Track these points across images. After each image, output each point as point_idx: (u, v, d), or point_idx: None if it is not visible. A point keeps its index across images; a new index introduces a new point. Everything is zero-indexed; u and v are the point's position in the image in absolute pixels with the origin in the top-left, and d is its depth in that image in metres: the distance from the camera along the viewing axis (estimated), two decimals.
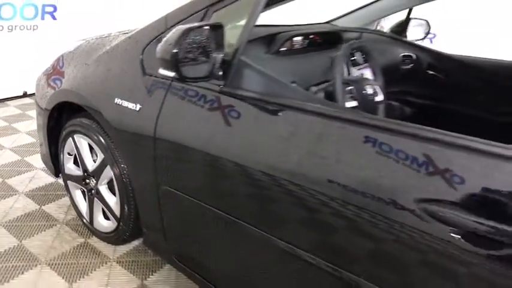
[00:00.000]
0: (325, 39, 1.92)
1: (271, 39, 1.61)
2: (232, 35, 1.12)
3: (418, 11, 2.35)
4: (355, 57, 1.72)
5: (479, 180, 0.73)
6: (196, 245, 1.37)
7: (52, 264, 1.63)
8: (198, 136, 1.17)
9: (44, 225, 1.89)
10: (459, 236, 0.73)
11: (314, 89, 1.43)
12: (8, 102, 3.39)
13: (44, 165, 2.13)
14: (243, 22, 1.10)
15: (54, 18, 3.43)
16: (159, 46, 0.99)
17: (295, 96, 1.05)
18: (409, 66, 2.25)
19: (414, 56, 2.25)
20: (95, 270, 1.64)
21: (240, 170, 1.07)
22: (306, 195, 0.94)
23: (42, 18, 3.37)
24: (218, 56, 1.06)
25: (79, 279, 1.58)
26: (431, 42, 4.23)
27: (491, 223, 0.70)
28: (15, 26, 3.23)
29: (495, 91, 1.84)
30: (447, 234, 0.74)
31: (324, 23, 2.46)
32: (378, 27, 2.72)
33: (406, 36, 2.37)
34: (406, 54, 2.23)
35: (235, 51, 1.10)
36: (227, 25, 1.13)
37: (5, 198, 2.05)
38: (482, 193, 0.72)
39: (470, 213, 0.72)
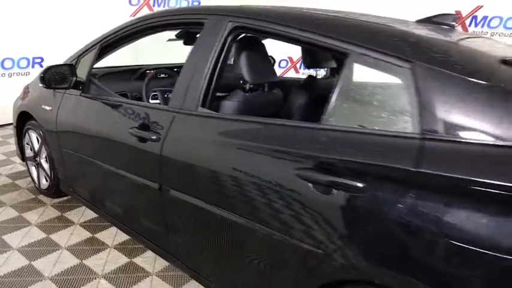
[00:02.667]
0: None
1: (135, 72, 2.83)
2: (84, 68, 2.33)
3: None
4: None
5: (146, 121, 1.86)
6: (80, 179, 2.52)
7: (13, 206, 2.80)
8: (72, 119, 2.36)
9: (13, 189, 3.07)
10: (138, 140, 1.86)
11: (134, 94, 2.62)
12: (7, 127, 4.69)
13: (19, 160, 3.33)
14: (88, 65, 2.32)
15: (41, 66, 4.79)
16: (38, 75, 2.20)
17: (111, 96, 2.22)
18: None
19: None
20: (36, 209, 2.80)
21: (91, 134, 2.22)
22: (119, 142, 2.06)
23: (33, 67, 4.73)
24: (73, 79, 2.26)
25: (26, 212, 2.73)
26: None
27: (144, 133, 1.82)
28: (13, 73, 4.59)
29: None
30: (136, 142, 1.87)
31: None
32: None
33: None
34: None
35: (88, 75, 2.31)
36: (85, 64, 2.34)
37: None
38: (142, 127, 1.85)
39: (144, 131, 1.85)
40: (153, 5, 5.67)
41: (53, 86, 2.26)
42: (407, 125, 1.16)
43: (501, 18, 4.47)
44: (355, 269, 1.20)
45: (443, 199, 1.04)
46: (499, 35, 4.50)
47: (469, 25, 4.72)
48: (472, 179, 0.99)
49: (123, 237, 2.49)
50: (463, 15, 4.74)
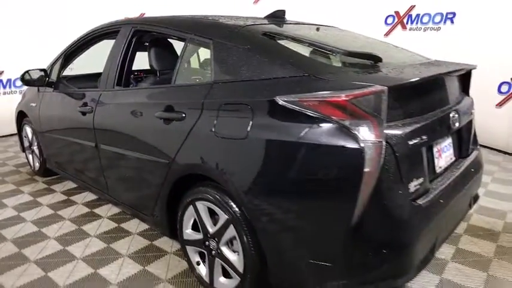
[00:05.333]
0: None
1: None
2: (55, 71, 3.19)
3: None
4: None
5: (86, 100, 2.67)
6: (56, 153, 3.34)
7: (13, 183, 3.67)
8: (48, 109, 3.21)
9: (15, 173, 3.96)
10: (82, 114, 2.66)
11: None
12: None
13: (25, 155, 4.23)
14: (57, 68, 3.17)
15: None
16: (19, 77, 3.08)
17: (72, 88, 3.06)
18: None
19: None
20: (30, 184, 3.65)
21: (59, 117, 3.07)
22: (73, 119, 2.88)
23: None
24: (46, 79, 3.12)
25: (22, 186, 3.59)
26: None
27: (84, 108, 2.63)
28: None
29: None
30: (81, 116, 2.68)
31: None
32: None
33: None
34: None
35: (58, 76, 3.17)
36: (55, 69, 3.21)
37: (2, 167, 4.17)
38: (84, 104, 2.66)
39: (84, 107, 2.65)
40: None
41: (31, 84, 3.14)
42: (208, 77, 1.91)
43: (430, 15, 5.10)
44: (190, 167, 1.92)
45: (220, 114, 1.75)
46: (430, 30, 5.12)
47: (407, 23, 5.37)
48: (233, 100, 1.72)
49: (91, 197, 3.30)
50: (401, 15, 5.40)
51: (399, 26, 5.45)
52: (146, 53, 2.52)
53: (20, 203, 3.22)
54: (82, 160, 2.95)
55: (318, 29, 2.32)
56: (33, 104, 3.43)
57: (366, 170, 1.37)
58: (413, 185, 1.54)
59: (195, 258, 2.07)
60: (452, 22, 4.91)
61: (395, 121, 1.50)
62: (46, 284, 2.13)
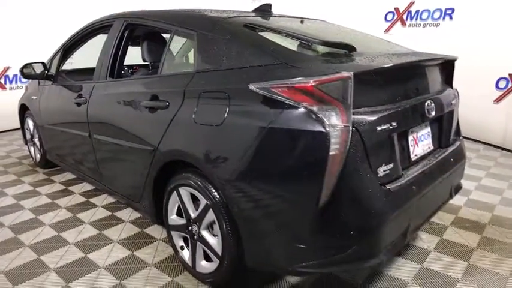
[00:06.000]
0: None
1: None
2: (55, 65, 3.29)
3: None
4: None
5: (81, 92, 2.76)
6: (55, 145, 3.44)
7: (14, 174, 3.79)
8: (47, 101, 3.31)
9: (18, 165, 4.08)
10: (77, 105, 2.75)
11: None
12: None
13: (26, 147, 4.35)
14: (56, 62, 3.27)
15: None
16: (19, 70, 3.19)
17: (70, 81, 3.15)
18: None
19: None
20: (31, 175, 3.76)
21: (57, 109, 3.16)
22: (69, 110, 2.98)
23: None
24: (45, 72, 3.22)
25: (23, 177, 3.70)
26: None
27: (79, 99, 2.72)
28: None
29: None
30: (76, 107, 2.77)
31: None
32: None
33: None
34: None
35: (57, 69, 3.26)
36: (54, 63, 3.31)
37: (5, 159, 4.30)
38: (78, 96, 2.75)
39: (79, 98, 2.74)
40: None
41: (30, 77, 3.24)
42: (191, 67, 1.98)
43: (429, 11, 5.10)
44: (172, 154, 1.99)
45: (200, 102, 1.81)
46: (429, 26, 5.12)
47: (406, 19, 5.38)
48: (212, 88, 1.78)
49: (88, 188, 3.39)
50: (401, 11, 5.41)
51: (399, 23, 5.46)
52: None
53: (19, 192, 3.33)
54: (78, 150, 3.04)
55: (302, 22, 2.36)
56: (34, 97, 3.54)
57: (332, 153, 1.42)
58: (382, 170, 1.58)
59: (179, 242, 2.13)
60: (451, 18, 4.90)
61: (364, 107, 1.55)
62: (38, 266, 2.22)
